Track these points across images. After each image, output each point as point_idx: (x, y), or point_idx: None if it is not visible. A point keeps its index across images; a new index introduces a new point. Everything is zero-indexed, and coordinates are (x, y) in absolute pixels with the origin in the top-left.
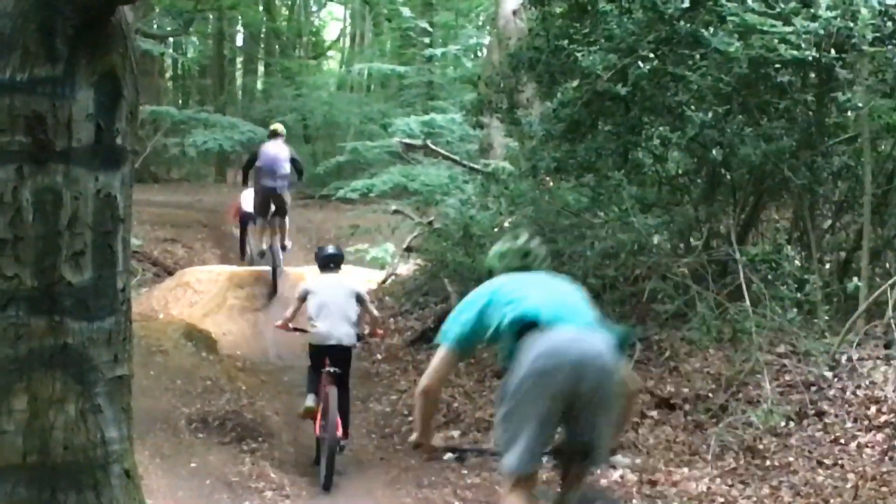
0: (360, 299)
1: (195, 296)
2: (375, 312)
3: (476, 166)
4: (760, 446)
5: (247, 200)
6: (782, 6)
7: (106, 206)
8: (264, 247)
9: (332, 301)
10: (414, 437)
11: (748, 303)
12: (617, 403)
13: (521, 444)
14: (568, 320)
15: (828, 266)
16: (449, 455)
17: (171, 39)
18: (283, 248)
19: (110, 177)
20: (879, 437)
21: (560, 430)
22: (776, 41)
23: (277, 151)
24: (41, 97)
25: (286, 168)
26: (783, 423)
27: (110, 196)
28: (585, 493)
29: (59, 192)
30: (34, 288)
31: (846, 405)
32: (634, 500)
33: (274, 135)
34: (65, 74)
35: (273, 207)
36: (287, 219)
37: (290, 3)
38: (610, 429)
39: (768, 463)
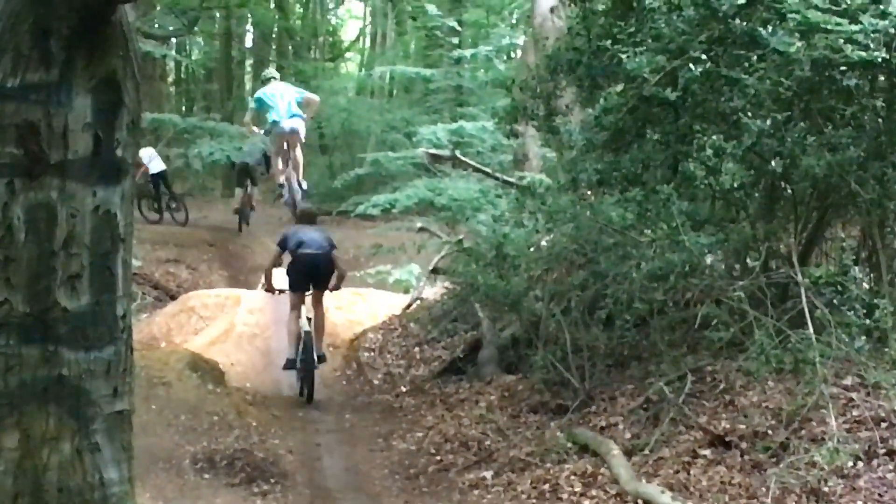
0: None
1: (200, 322)
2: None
3: (510, 179)
4: (825, 489)
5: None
6: (848, 2)
7: (105, 225)
8: (282, 180)
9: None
10: None
11: (811, 330)
12: None
13: None
14: None
15: None
16: None
17: (173, 40)
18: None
19: (110, 192)
20: None
21: None
22: (842, 41)
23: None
24: (34, 105)
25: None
26: (850, 464)
27: (109, 213)
28: None
29: (53, 208)
30: (26, 314)
31: None
32: None
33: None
34: (60, 80)
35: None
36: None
37: (304, 0)
38: None
39: None
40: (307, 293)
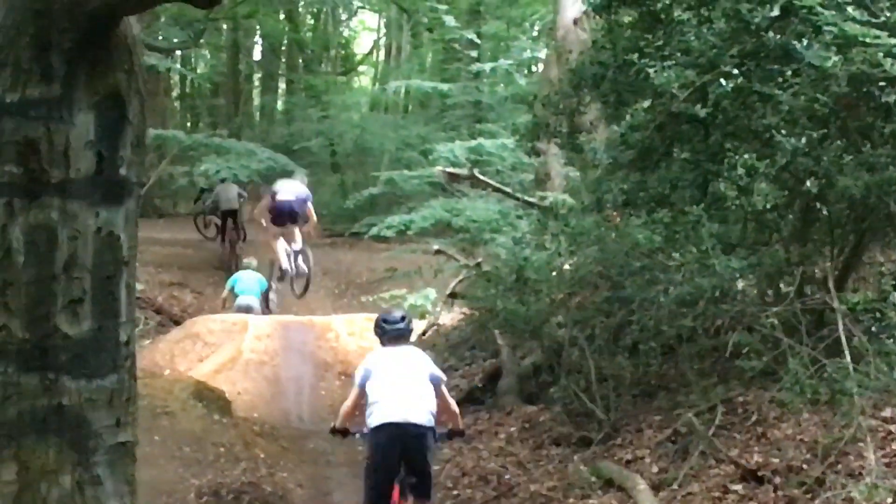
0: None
1: (206, 349)
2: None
3: (531, 199)
4: None
5: None
6: (887, 14)
7: (107, 247)
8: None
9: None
10: None
11: (848, 359)
12: None
13: None
14: None
15: None
16: None
17: (178, 53)
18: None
19: (113, 213)
20: None
21: None
22: (881, 55)
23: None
24: (34, 121)
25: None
26: (889, 500)
27: (112, 235)
28: None
29: (54, 230)
30: (25, 340)
31: None
32: None
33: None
34: (62, 95)
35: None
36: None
37: (315, 11)
38: None
39: None
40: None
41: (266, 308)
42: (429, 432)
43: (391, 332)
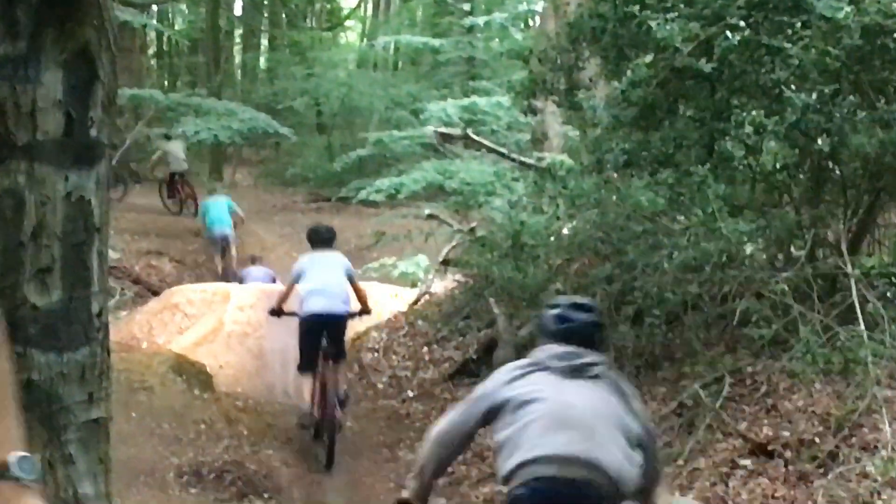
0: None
1: (186, 320)
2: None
3: (528, 160)
4: (878, 502)
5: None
6: None
7: (78, 213)
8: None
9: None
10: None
11: (863, 326)
12: None
13: None
14: None
15: None
16: None
17: (154, 8)
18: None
19: (83, 176)
20: None
21: None
22: (895, 5)
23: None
24: None
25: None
26: None
27: (83, 200)
28: None
29: (20, 195)
30: None
31: None
32: None
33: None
34: (27, 53)
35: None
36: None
37: None
38: None
39: None
40: None
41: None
42: (344, 316)
43: (318, 239)
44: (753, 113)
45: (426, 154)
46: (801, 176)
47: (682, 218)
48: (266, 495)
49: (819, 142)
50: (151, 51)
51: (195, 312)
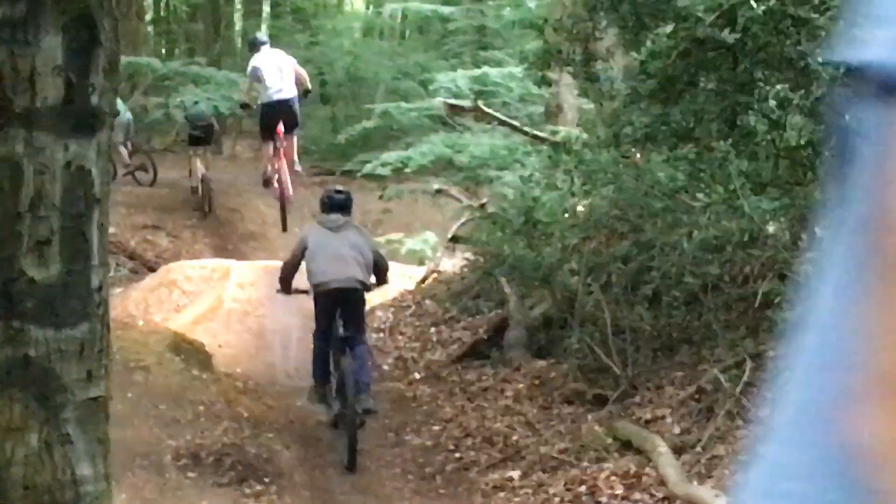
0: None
1: (183, 298)
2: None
3: (541, 134)
4: None
5: None
6: None
7: (78, 183)
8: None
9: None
10: None
11: None
12: None
13: None
14: None
15: None
16: None
17: None
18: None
19: (83, 145)
20: None
21: None
22: None
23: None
24: None
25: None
26: None
27: (83, 170)
28: None
29: (18, 164)
30: None
31: None
32: None
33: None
34: (27, 16)
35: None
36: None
37: None
38: None
39: None
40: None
41: None
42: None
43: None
44: (778, 86)
45: (434, 127)
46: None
47: (703, 195)
48: (266, 480)
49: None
50: (148, 17)
51: (193, 289)
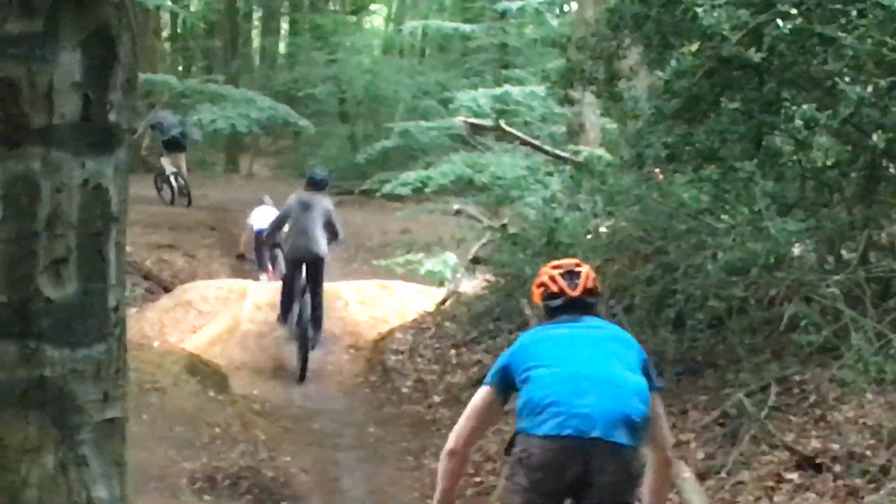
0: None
1: (200, 318)
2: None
3: (563, 154)
4: None
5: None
6: None
7: (95, 201)
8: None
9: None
10: None
11: None
12: None
13: None
14: None
15: None
16: None
17: None
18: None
19: (101, 163)
20: None
21: None
22: None
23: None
24: (14, 60)
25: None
26: None
27: (101, 188)
28: None
29: (35, 181)
30: (3, 305)
31: None
32: None
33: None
34: (45, 31)
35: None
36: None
37: None
38: None
39: None
40: None
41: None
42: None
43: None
44: (804, 106)
45: (455, 146)
46: (854, 173)
47: (728, 217)
48: (283, 503)
49: (874, 137)
50: (165, 33)
51: (209, 310)
